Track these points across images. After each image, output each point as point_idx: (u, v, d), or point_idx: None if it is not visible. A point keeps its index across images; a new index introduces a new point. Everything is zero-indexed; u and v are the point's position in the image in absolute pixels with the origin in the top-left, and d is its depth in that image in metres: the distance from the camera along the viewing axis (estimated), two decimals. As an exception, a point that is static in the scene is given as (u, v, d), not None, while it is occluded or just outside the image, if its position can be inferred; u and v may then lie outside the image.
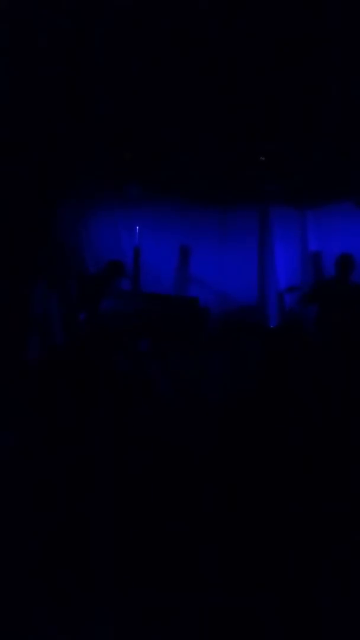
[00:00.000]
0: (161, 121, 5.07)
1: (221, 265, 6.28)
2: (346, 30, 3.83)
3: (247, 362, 5.15)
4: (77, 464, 3.39)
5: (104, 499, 3.00)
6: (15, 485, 3.09)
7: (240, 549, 2.59)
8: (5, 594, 2.25)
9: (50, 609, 2.19)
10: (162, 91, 4.61)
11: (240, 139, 5.37)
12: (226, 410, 4.43)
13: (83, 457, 3.47)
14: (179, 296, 6.07)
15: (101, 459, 3.47)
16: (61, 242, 5.74)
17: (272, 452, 3.58)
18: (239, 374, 5.12)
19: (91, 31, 3.77)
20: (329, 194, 6.08)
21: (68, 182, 5.55)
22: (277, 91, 4.59)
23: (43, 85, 4.43)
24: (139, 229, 5.94)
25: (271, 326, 6.13)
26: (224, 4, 3.60)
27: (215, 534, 2.71)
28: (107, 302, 5.34)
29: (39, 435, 3.73)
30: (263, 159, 5.78)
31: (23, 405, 4.16)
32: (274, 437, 3.82)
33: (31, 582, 2.35)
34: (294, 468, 3.39)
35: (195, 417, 4.31)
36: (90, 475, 3.27)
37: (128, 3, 3.57)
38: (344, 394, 4.59)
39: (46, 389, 4.43)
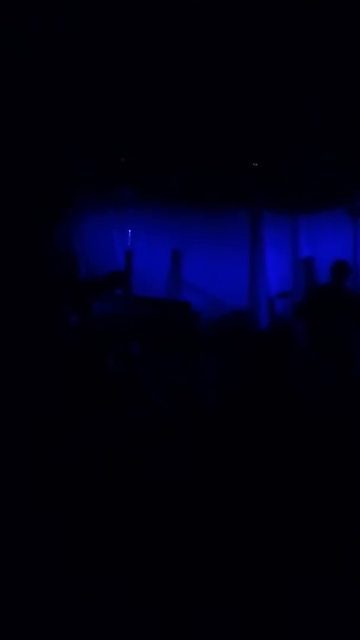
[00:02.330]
0: (155, 126, 5.08)
1: (213, 270, 6.31)
2: (335, 40, 3.87)
3: (238, 367, 5.16)
4: (68, 467, 3.37)
5: (96, 503, 2.98)
6: (7, 488, 3.06)
7: (238, 553, 2.59)
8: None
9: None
10: (157, 95, 4.62)
11: (234, 145, 5.40)
12: (217, 414, 4.43)
13: (75, 460, 3.46)
14: (170, 300, 6.08)
15: (92, 461, 3.46)
16: (53, 245, 5.72)
17: (263, 455, 3.60)
18: (230, 378, 5.13)
19: (89, 33, 3.76)
20: (321, 200, 6.13)
21: (61, 185, 5.53)
22: (270, 97, 4.62)
23: (37, 87, 4.41)
24: (131, 232, 5.94)
25: (262, 331, 6.16)
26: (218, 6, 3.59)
27: (209, 538, 2.71)
28: (98, 306, 5.32)
29: (29, 438, 3.71)
30: (256, 164, 5.81)
31: (16, 408, 4.13)
32: (264, 440, 3.83)
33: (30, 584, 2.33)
34: (286, 471, 3.40)
35: (186, 420, 4.31)
36: (82, 478, 3.26)
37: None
38: (336, 397, 4.62)
39: (37, 390, 4.40)
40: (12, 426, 3.70)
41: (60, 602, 2.21)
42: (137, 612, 2.20)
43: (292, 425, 4.12)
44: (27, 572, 2.39)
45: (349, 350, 5.11)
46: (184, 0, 3.45)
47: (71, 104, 4.66)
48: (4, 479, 3.13)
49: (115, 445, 3.74)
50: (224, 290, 6.29)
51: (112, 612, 2.18)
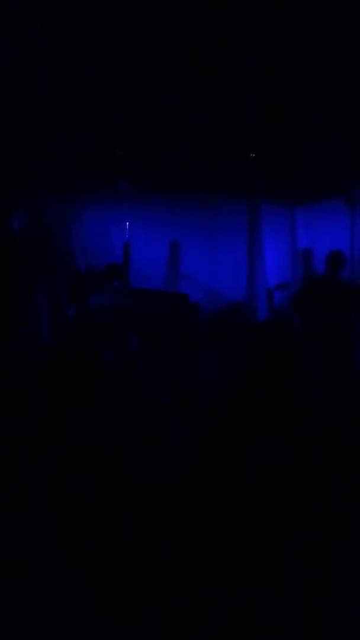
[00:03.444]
0: (153, 117, 5.05)
1: (211, 262, 6.30)
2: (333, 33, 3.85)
3: (237, 359, 5.17)
4: (66, 461, 3.39)
5: (94, 498, 3.00)
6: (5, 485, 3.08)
7: (237, 549, 2.60)
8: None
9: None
10: (154, 87, 4.59)
11: (231, 136, 5.38)
12: (216, 407, 4.44)
13: (72, 455, 3.47)
14: (169, 292, 6.07)
15: (90, 456, 3.47)
16: (51, 237, 5.71)
17: (262, 448, 3.61)
18: (229, 370, 5.14)
19: (86, 27, 3.74)
20: (319, 191, 6.11)
21: (58, 177, 5.52)
22: (268, 89, 4.60)
23: (34, 79, 4.39)
24: (129, 224, 5.92)
25: (260, 323, 6.15)
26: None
27: (209, 533, 2.73)
28: (97, 298, 5.32)
29: (28, 431, 3.72)
30: (253, 156, 5.79)
31: (12, 402, 4.14)
32: (263, 433, 3.84)
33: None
34: (285, 465, 3.41)
35: (184, 413, 4.32)
36: (79, 472, 3.27)
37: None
38: (333, 389, 4.63)
39: (34, 385, 4.41)
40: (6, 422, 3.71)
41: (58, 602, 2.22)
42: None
43: (291, 417, 4.13)
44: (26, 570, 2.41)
45: (345, 341, 5.13)
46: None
47: (68, 96, 4.64)
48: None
49: (113, 438, 3.75)
50: (223, 282, 6.29)
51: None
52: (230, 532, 2.71)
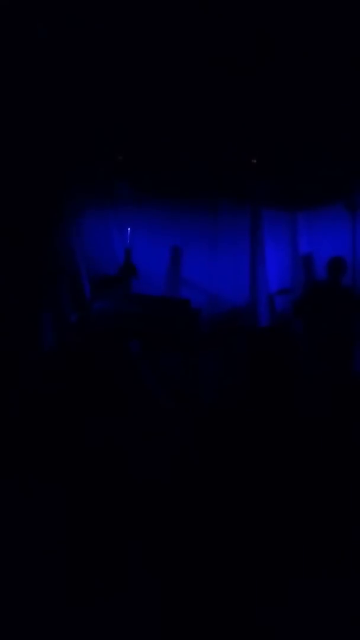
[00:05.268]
0: (153, 123, 5.07)
1: (213, 267, 6.30)
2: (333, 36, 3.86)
3: (238, 364, 5.17)
4: (69, 463, 3.39)
5: (97, 500, 2.99)
6: (10, 488, 3.07)
7: (236, 548, 2.60)
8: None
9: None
10: (155, 92, 4.61)
11: (233, 141, 5.40)
12: (216, 411, 4.44)
13: (75, 457, 3.47)
14: (170, 297, 6.07)
15: (92, 458, 3.47)
16: (53, 243, 5.72)
17: (262, 451, 3.61)
18: (230, 375, 5.14)
19: (86, 31, 3.76)
20: (320, 196, 6.13)
21: (60, 183, 5.53)
22: (269, 93, 4.61)
23: (36, 86, 4.41)
24: (130, 230, 5.93)
25: (262, 328, 6.15)
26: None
27: (209, 532, 2.72)
28: (98, 304, 5.33)
29: (31, 434, 3.72)
30: (255, 161, 5.81)
31: (15, 405, 4.14)
32: (262, 437, 3.84)
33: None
34: (285, 468, 3.41)
35: (185, 418, 4.32)
36: (82, 475, 3.27)
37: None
38: (333, 394, 4.62)
39: (37, 389, 4.41)
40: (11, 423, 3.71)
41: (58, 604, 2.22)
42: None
43: (292, 421, 4.13)
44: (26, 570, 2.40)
45: (347, 346, 5.12)
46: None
47: (69, 103, 4.66)
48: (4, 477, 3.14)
49: (116, 441, 3.75)
50: (224, 287, 6.29)
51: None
52: (230, 534, 2.70)
